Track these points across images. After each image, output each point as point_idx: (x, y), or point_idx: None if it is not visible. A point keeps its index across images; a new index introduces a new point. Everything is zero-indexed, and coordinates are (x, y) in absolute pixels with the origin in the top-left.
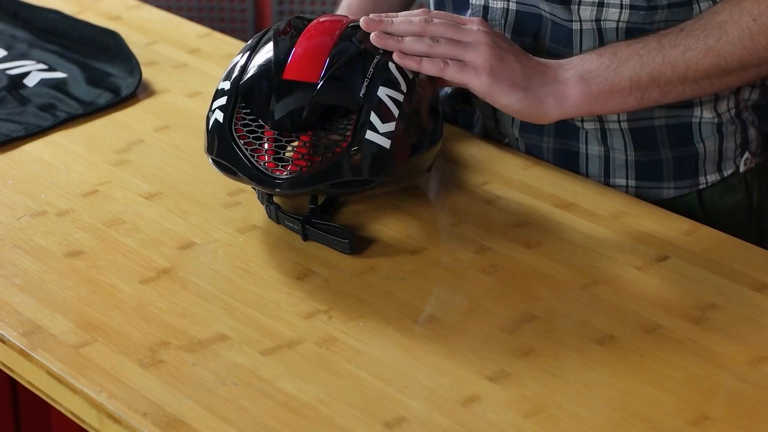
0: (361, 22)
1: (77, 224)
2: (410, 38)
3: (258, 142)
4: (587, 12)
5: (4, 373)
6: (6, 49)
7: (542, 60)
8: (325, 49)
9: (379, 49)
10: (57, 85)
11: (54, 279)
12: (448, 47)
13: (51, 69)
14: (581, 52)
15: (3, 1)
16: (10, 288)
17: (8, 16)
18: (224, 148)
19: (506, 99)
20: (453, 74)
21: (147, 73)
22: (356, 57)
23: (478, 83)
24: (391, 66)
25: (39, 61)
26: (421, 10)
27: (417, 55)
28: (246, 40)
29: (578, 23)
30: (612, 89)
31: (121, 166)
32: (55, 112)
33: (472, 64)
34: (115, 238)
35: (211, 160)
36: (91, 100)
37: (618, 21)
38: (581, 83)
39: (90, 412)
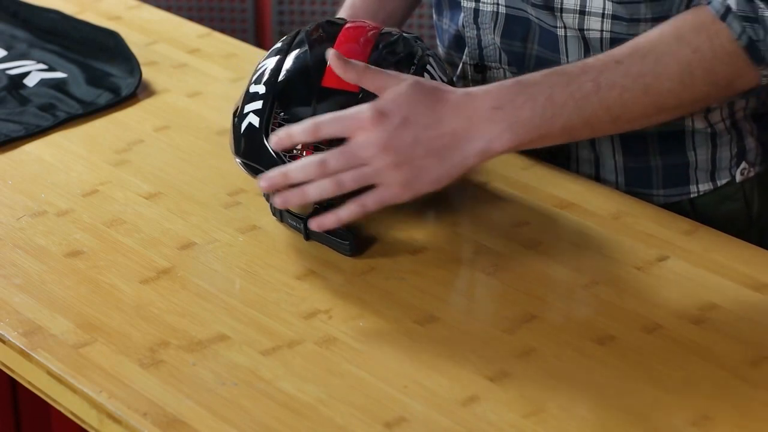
0: (260, 183)
1: (77, 224)
2: (313, 187)
3: (296, 148)
4: (570, 19)
5: (4, 373)
6: (6, 49)
7: (464, 106)
8: (361, 59)
9: (414, 58)
10: (57, 85)
11: (54, 279)
12: (355, 182)
13: (51, 69)
14: (568, 57)
15: (3, 1)
16: (10, 288)
17: (8, 16)
18: (257, 151)
19: (432, 189)
20: (375, 207)
21: (147, 73)
22: (393, 67)
23: (402, 199)
24: (426, 76)
25: (39, 61)
26: (309, 122)
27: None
28: (246, 40)
29: (563, 29)
30: (542, 136)
31: (121, 166)
32: (55, 112)
33: (387, 189)
34: (115, 238)
35: (240, 162)
36: (91, 100)
37: (601, 31)
38: (510, 134)
39: (90, 412)
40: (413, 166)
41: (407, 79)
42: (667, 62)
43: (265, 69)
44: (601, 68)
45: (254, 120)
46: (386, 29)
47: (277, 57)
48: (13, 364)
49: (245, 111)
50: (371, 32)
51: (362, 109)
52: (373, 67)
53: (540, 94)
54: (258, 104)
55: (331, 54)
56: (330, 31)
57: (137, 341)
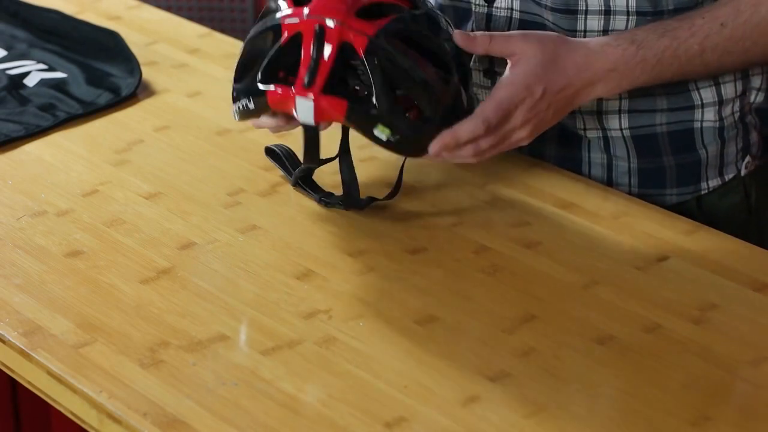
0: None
1: (77, 224)
2: (457, 159)
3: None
4: (594, 22)
5: (4, 373)
6: (6, 49)
7: (585, 67)
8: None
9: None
10: (57, 85)
11: (54, 279)
12: (492, 154)
13: (51, 69)
14: None
15: (3, 1)
16: (10, 288)
17: (8, 16)
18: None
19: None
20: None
21: (147, 73)
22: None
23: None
24: None
25: (39, 61)
26: (479, 122)
27: None
28: None
29: (582, 34)
30: (644, 86)
31: (121, 166)
32: (55, 112)
33: (511, 145)
34: (115, 238)
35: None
36: (91, 100)
37: (626, 30)
38: (618, 89)
39: (90, 412)
40: (540, 124)
41: (534, 42)
42: (766, 27)
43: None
44: (707, 32)
45: None
46: None
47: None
48: (13, 364)
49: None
50: None
51: (517, 90)
52: (496, 34)
53: (652, 57)
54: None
55: (456, 34)
56: None
57: (137, 341)
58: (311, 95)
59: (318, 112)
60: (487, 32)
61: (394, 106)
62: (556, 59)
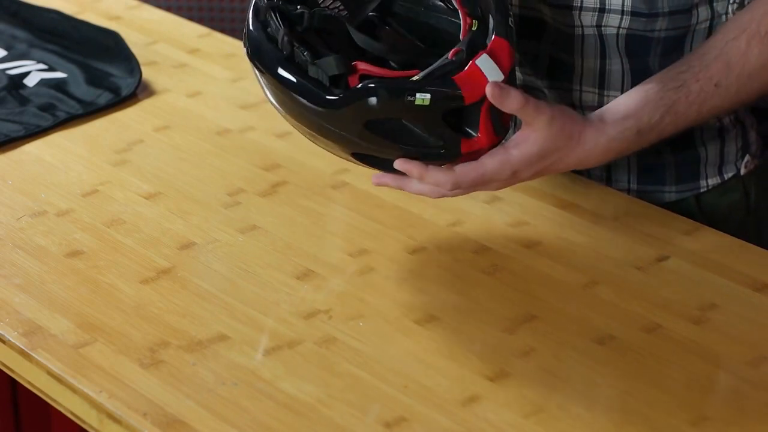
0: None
1: (77, 224)
2: (416, 191)
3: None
4: (588, 17)
5: (4, 373)
6: (6, 49)
7: (589, 154)
8: None
9: None
10: (57, 85)
11: (54, 279)
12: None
13: (51, 69)
14: (583, 58)
15: (3, 1)
16: (10, 288)
17: (8, 16)
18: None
19: None
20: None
21: (147, 73)
22: None
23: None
24: None
25: (39, 61)
26: (448, 186)
27: None
28: None
29: (580, 28)
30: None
31: (121, 166)
32: (55, 112)
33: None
34: (115, 238)
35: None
36: (91, 100)
37: (618, 27)
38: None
39: (90, 412)
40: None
41: (555, 128)
42: (759, 75)
43: None
44: (704, 97)
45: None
46: None
47: None
48: (13, 364)
49: None
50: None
51: (503, 169)
52: (532, 101)
53: (654, 136)
54: None
55: (489, 87)
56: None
57: (137, 341)
58: None
59: None
60: (525, 97)
61: None
62: (562, 149)
